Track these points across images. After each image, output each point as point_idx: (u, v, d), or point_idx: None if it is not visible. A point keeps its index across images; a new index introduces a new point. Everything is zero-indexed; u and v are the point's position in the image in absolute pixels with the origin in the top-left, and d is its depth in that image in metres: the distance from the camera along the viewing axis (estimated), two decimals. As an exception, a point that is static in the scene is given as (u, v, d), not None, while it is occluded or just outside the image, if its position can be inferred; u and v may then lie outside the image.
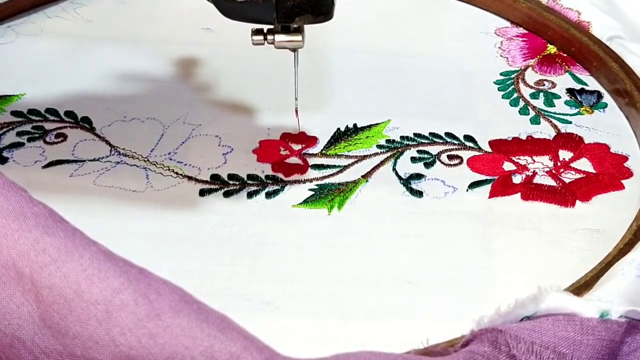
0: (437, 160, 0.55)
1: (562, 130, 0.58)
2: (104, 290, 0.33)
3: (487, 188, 0.53)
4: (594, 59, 0.64)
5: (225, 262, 0.47)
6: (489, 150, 0.56)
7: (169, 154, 0.55)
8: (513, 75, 0.64)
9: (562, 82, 0.64)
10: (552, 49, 0.68)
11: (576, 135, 0.57)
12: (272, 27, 0.48)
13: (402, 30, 0.70)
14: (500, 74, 0.64)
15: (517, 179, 0.53)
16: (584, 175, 0.54)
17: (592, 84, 0.63)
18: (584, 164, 0.55)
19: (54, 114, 0.58)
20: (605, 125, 0.59)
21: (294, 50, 0.50)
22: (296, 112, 0.55)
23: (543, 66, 0.65)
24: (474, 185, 0.53)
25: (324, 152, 0.55)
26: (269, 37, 0.48)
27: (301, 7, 0.45)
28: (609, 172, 0.54)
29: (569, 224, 0.50)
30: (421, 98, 0.61)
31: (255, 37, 0.48)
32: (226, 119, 0.58)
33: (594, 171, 0.54)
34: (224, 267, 0.47)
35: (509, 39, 0.69)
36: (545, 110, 0.60)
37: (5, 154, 0.54)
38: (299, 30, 0.48)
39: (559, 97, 0.62)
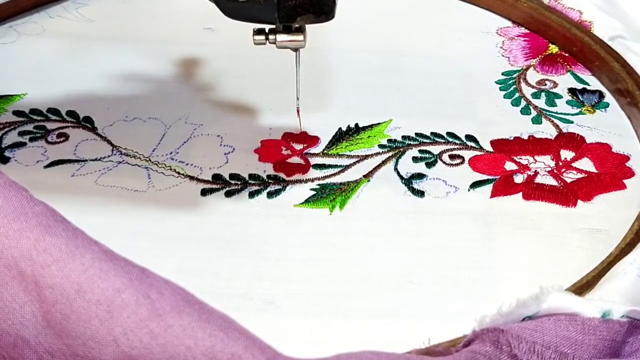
0: (438, 159, 0.55)
1: (564, 130, 0.58)
2: (105, 290, 0.33)
3: (489, 188, 0.53)
4: (595, 58, 0.64)
5: (226, 261, 0.47)
6: (491, 150, 0.56)
7: (171, 153, 0.55)
8: (515, 75, 0.64)
9: (564, 81, 0.63)
10: (553, 48, 0.68)
11: (578, 135, 0.57)
12: (273, 26, 0.48)
13: (403, 30, 0.70)
14: (502, 74, 0.64)
15: (519, 179, 0.53)
16: (586, 175, 0.54)
17: (594, 83, 0.63)
18: (586, 164, 0.55)
19: (56, 113, 0.58)
20: (607, 125, 0.59)
21: (296, 50, 0.50)
22: (298, 111, 0.55)
23: (545, 66, 0.65)
24: (475, 185, 0.53)
25: (325, 151, 0.55)
26: (271, 36, 0.48)
27: (303, 6, 0.45)
28: (611, 171, 0.54)
29: (571, 224, 0.50)
30: (423, 98, 0.61)
31: (257, 37, 0.48)
32: (228, 118, 0.58)
33: (595, 171, 0.54)
34: (226, 267, 0.47)
35: (511, 39, 0.69)
36: (546, 110, 0.60)
37: (7, 153, 0.54)
38: (301, 30, 0.48)
39: (560, 96, 0.62)
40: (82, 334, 0.32)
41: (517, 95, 0.62)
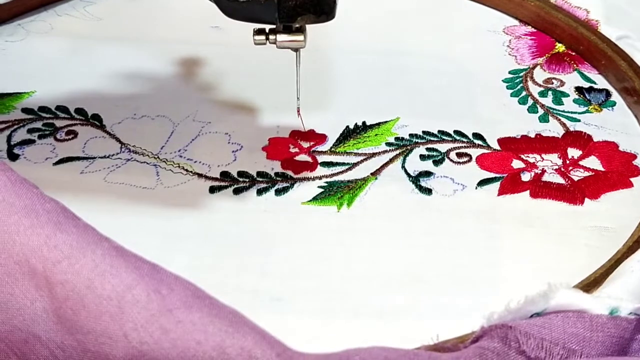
0: (446, 157, 0.55)
1: (571, 129, 0.58)
2: (116, 286, 0.33)
3: (496, 186, 0.53)
4: (602, 57, 0.64)
5: (235, 258, 0.47)
6: (498, 148, 0.56)
7: (179, 151, 0.55)
8: (521, 74, 0.64)
9: (571, 80, 0.64)
10: (560, 47, 0.68)
11: (585, 133, 0.57)
12: (274, 26, 0.48)
13: (409, 29, 0.70)
14: (509, 72, 0.64)
15: (526, 177, 0.53)
16: (593, 173, 0.54)
17: (601, 82, 0.63)
18: (593, 162, 0.55)
19: (65, 111, 0.58)
20: (614, 124, 0.59)
21: (296, 50, 0.50)
22: (298, 111, 0.55)
23: (552, 64, 0.65)
24: (482, 183, 0.53)
25: (333, 149, 0.55)
26: (271, 37, 0.48)
27: (303, 6, 0.45)
28: (618, 170, 0.54)
29: (578, 222, 0.50)
30: (429, 96, 0.61)
31: (257, 37, 0.48)
32: (235, 116, 0.59)
33: (602, 169, 0.54)
34: (234, 264, 0.47)
35: (518, 38, 0.69)
36: (553, 109, 0.60)
37: (16, 151, 0.54)
38: (301, 30, 0.48)
39: (567, 95, 0.62)
40: (93, 329, 0.32)
41: (524, 93, 0.62)
